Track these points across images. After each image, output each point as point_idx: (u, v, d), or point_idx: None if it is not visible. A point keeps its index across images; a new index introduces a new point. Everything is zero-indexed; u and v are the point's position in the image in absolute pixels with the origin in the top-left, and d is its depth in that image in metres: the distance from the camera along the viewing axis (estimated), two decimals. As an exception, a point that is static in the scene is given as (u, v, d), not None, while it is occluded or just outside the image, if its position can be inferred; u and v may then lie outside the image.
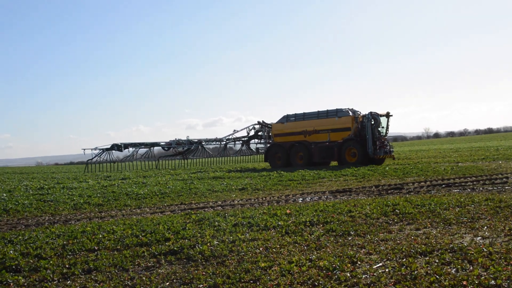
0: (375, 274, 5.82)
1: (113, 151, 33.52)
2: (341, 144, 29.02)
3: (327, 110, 30.49)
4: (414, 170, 21.41)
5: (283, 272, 6.11)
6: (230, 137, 37.45)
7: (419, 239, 7.47)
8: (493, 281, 5.21)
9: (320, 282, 5.66)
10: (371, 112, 28.39)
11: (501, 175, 17.29)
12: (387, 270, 5.95)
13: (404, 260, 6.32)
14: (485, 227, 7.99)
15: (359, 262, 6.39)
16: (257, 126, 36.85)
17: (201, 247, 7.62)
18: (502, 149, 38.05)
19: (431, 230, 8.14)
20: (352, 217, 9.61)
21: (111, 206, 14.64)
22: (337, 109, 30.10)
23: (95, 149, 33.70)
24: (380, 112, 28.81)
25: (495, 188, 13.61)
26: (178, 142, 35.07)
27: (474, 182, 15.55)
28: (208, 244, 7.85)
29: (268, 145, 33.93)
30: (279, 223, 9.31)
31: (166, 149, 35.97)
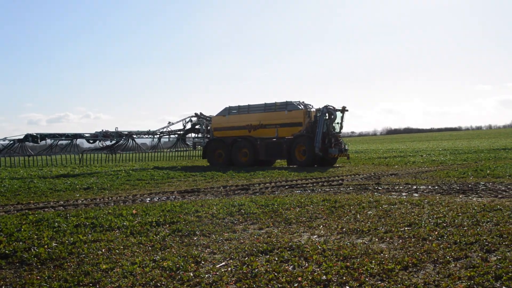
0: (217, 273, 5.92)
1: (27, 142, 28.92)
2: (291, 140, 26.33)
3: (276, 103, 27.94)
4: (260, 171, 22.26)
5: (125, 273, 5.95)
6: (165, 130, 33.62)
7: (261, 238, 7.77)
8: (324, 276, 5.61)
9: (163, 282, 5.62)
10: (326, 106, 26.09)
11: (337, 177, 18.72)
12: (229, 269, 6.10)
13: (246, 259, 6.52)
14: (321, 226, 8.57)
15: (203, 262, 6.46)
16: (194, 119, 33.55)
17: (37, 250, 7.13)
18: (340, 153, 41.23)
19: (273, 229, 8.52)
20: (199, 217, 9.69)
21: None
22: (287, 102, 27.50)
23: (4, 139, 28.68)
24: (335, 106, 26.70)
25: (331, 189, 14.66)
26: (105, 134, 30.89)
27: (314, 184, 16.62)
28: (46, 246, 7.37)
29: (207, 140, 31.07)
30: (124, 223, 9.06)
31: (91, 141, 31.46)
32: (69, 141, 29.97)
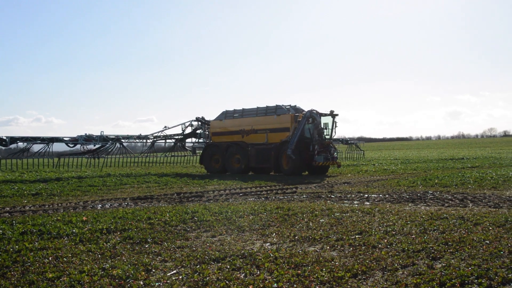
0: (168, 281, 5.85)
1: None
2: (279, 147, 25.17)
3: (267, 107, 26.80)
4: (214, 179, 22.19)
5: (73, 282, 5.79)
6: (160, 134, 31.86)
7: (214, 245, 7.73)
8: (275, 284, 5.63)
9: (112, 291, 5.51)
10: (310, 110, 24.90)
11: (291, 185, 18.86)
12: (180, 277, 6.04)
13: (198, 266, 6.47)
14: (274, 234, 8.60)
15: (153, 270, 6.37)
16: (194, 123, 31.87)
17: (-21, 258, 6.85)
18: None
19: (226, 237, 8.50)
20: (151, 224, 9.57)
21: None
22: (276, 106, 26.32)
23: None
24: (323, 110, 25.55)
25: (285, 197, 14.76)
26: (87, 138, 29.04)
27: (268, 192, 16.69)
28: (-11, 254, 7.10)
29: (204, 145, 30.11)
30: (74, 230, 8.85)
31: (71, 145, 29.25)
32: (44, 144, 28.36)
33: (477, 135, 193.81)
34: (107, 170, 29.50)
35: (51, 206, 13.74)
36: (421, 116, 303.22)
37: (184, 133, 32.20)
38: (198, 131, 32.01)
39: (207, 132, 30.70)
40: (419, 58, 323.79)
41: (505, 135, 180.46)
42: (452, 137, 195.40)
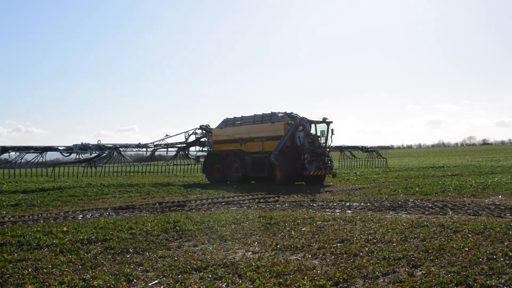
0: (150, 291, 5.83)
1: None
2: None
3: (263, 114, 26.22)
4: (197, 188, 22.13)
5: (53, 294, 5.74)
6: (161, 142, 31.30)
7: (196, 255, 7.72)
8: (257, 293, 5.64)
9: (93, 302, 5.46)
10: (302, 118, 24.32)
11: (273, 194, 18.89)
12: (162, 287, 6.02)
13: (180, 276, 6.46)
14: (256, 243, 8.62)
15: (135, 280, 6.34)
16: (198, 131, 31.26)
17: (-43, 270, 6.74)
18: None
19: (208, 246, 8.49)
20: (133, 234, 9.51)
21: None
22: (271, 113, 25.71)
23: None
24: (315, 118, 24.87)
25: (268, 206, 14.78)
26: (81, 147, 28.39)
27: (251, 201, 16.69)
28: (-33, 266, 6.99)
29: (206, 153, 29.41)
30: (54, 241, 8.76)
31: (66, 154, 28.83)
32: (38, 154, 27.67)
33: (457, 144, 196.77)
34: (104, 179, 29.23)
35: (31, 216, 13.57)
36: (402, 125, 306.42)
37: (188, 141, 31.68)
38: (202, 139, 31.46)
39: (210, 140, 30.02)
40: (401, 67, 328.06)
41: (484, 143, 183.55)
42: (433, 146, 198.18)
